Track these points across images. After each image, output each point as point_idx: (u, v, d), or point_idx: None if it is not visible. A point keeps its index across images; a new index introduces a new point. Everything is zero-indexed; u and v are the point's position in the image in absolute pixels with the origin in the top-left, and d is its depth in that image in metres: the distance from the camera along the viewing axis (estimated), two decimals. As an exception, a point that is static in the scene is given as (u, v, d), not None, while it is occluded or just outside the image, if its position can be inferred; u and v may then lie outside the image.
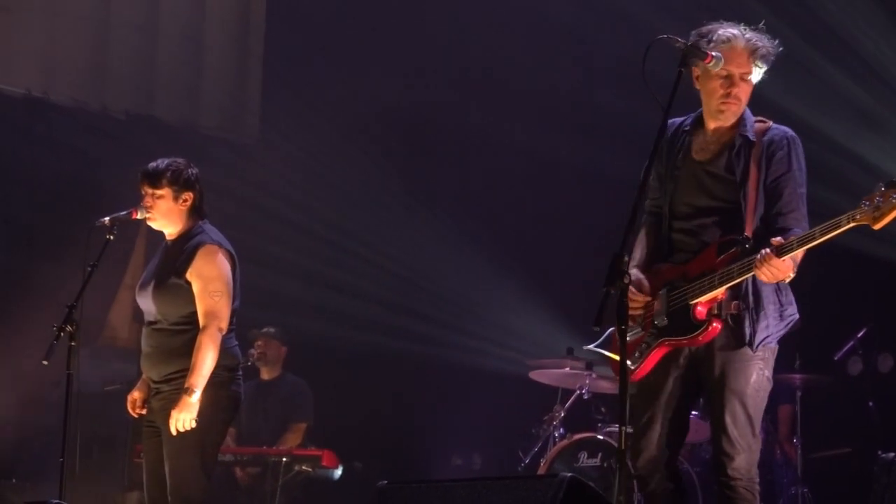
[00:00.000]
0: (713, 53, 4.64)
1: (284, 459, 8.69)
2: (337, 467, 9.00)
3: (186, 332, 5.95)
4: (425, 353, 10.48)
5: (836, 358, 8.82)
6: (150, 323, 6.08)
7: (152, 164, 6.12)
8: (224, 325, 5.95)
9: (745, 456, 4.80)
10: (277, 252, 10.34)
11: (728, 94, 4.89)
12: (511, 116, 10.38)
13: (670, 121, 4.98)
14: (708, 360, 4.85)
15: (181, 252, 6.05)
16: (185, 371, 5.85)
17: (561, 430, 8.34)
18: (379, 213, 10.75)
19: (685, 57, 4.54)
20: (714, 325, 4.77)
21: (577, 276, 8.44)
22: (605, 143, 9.49)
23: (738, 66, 4.84)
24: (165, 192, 6.06)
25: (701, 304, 4.78)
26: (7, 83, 10.16)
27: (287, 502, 8.69)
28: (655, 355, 4.94)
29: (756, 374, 4.82)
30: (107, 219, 6.14)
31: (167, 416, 5.83)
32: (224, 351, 5.97)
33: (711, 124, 4.99)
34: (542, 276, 10.23)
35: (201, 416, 5.83)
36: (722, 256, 4.77)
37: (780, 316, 4.86)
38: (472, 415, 10.34)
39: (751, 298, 4.79)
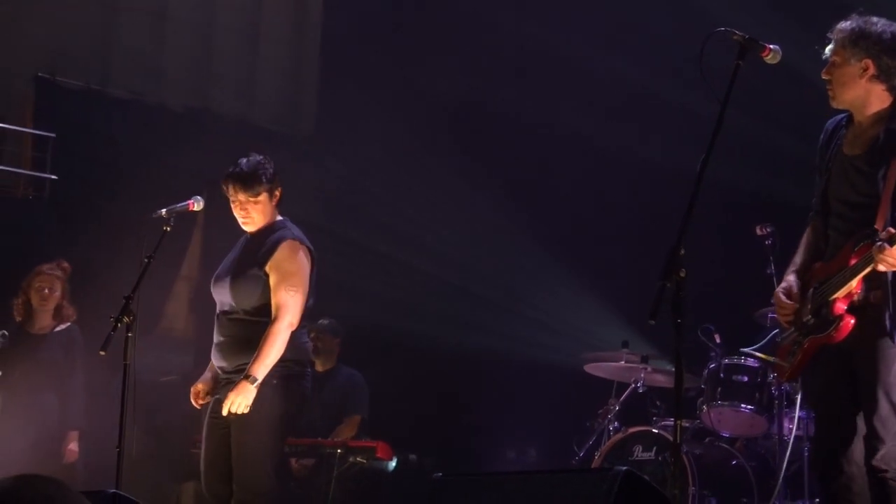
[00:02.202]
0: (771, 46, 4.58)
1: (339, 451, 8.67)
2: (391, 459, 8.98)
3: (259, 323, 5.97)
4: (480, 345, 10.44)
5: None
6: (225, 313, 6.11)
7: (240, 171, 6.11)
8: (296, 320, 5.99)
9: (890, 446, 4.69)
10: (333, 244, 10.33)
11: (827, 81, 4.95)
12: (570, 107, 10.32)
13: (834, 118, 5.07)
14: (854, 354, 4.81)
15: (262, 244, 6.10)
16: (255, 362, 5.91)
17: (616, 423, 8.29)
18: (435, 204, 10.72)
19: (742, 49, 4.49)
20: (847, 319, 4.73)
21: (634, 269, 8.39)
22: (664, 134, 9.42)
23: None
24: (263, 197, 6.11)
25: (839, 300, 4.75)
26: (66, 76, 10.24)
27: (341, 493, 8.68)
28: (805, 355, 4.94)
29: None
30: (164, 211, 6.18)
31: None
32: (297, 346, 6.01)
33: (855, 118, 4.99)
34: (598, 268, 10.17)
35: (272, 406, 5.87)
36: (856, 250, 4.73)
37: None
38: (527, 407, 10.31)
39: (890, 289, 4.70)
